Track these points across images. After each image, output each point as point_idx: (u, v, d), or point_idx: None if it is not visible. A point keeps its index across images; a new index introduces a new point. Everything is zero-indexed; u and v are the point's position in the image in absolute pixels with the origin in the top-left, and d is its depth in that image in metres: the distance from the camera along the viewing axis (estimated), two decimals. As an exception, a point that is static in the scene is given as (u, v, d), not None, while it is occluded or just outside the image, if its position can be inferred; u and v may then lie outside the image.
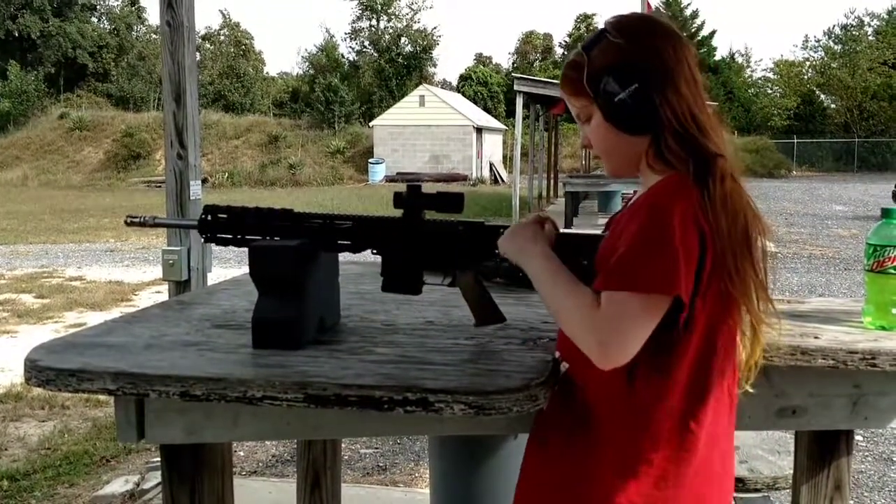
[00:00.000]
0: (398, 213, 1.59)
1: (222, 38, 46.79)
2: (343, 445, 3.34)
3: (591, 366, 1.22)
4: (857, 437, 4.19)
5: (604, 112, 1.29)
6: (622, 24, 1.31)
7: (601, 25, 1.34)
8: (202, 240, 1.66)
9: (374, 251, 1.60)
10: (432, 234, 1.57)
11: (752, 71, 48.28)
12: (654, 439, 1.24)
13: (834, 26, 43.37)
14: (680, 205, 1.19)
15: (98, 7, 45.36)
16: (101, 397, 4.27)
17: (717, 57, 45.07)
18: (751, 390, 1.37)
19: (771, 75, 46.18)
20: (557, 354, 1.41)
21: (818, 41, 43.52)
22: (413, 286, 1.57)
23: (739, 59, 48.03)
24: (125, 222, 1.73)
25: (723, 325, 1.26)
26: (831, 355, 1.49)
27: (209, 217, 1.63)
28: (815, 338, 1.56)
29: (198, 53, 4.09)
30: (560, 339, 1.39)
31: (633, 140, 1.30)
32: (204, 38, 44.80)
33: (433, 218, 1.57)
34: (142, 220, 1.71)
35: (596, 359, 1.20)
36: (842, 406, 1.58)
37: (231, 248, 1.65)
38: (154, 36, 42.87)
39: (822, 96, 43.40)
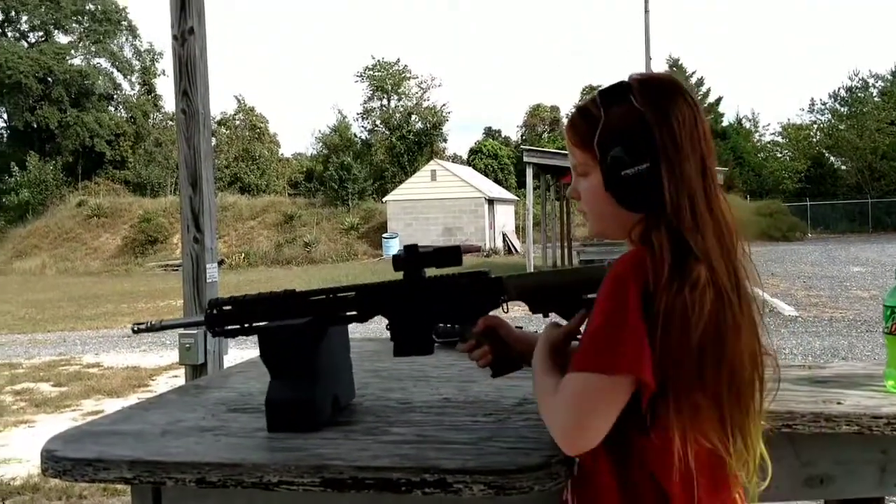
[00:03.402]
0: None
1: (238, 122, 47.82)
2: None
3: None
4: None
5: (606, 179, 1.23)
6: (648, 89, 1.23)
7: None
8: (211, 335, 1.66)
9: (384, 316, 1.59)
10: (435, 290, 1.57)
11: (761, 135, 48.66)
12: None
13: (839, 89, 43.84)
14: (638, 278, 1.14)
15: (115, 97, 46.58)
16: (119, 486, 4.23)
17: (725, 123, 45.55)
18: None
19: (780, 139, 46.55)
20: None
21: (824, 104, 43.96)
22: (424, 346, 1.56)
23: (747, 125, 48.49)
24: (133, 330, 1.72)
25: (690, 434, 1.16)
26: (856, 421, 1.47)
27: (215, 311, 1.63)
28: (838, 403, 1.54)
29: (214, 138, 4.19)
30: None
31: (626, 214, 1.24)
32: (220, 122, 45.81)
33: (434, 275, 1.57)
34: (149, 325, 1.71)
35: (560, 442, 1.17)
36: (870, 473, 1.54)
37: (243, 332, 1.65)
38: (170, 122, 43.86)
39: (832, 158, 43.60)
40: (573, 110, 1.35)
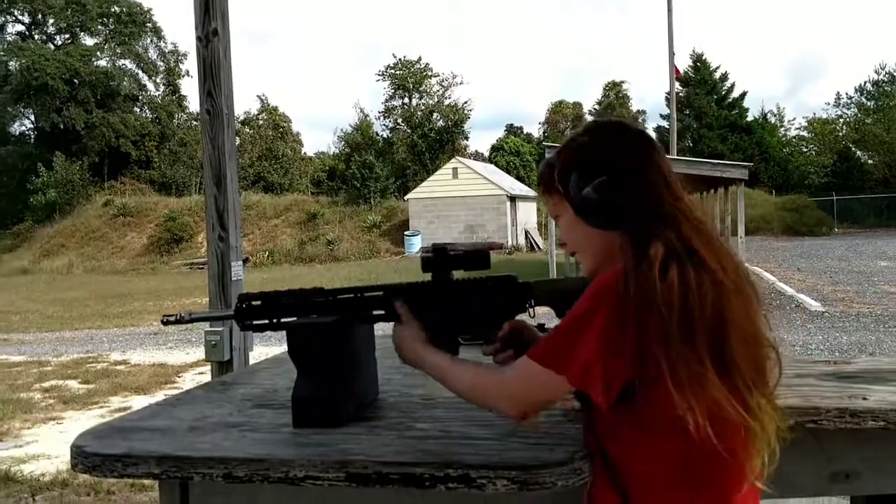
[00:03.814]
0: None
1: (261, 121, 48.04)
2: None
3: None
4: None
5: (573, 206, 1.34)
6: (592, 127, 1.41)
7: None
8: (240, 328, 1.68)
9: None
10: (462, 292, 1.57)
11: (786, 130, 48.09)
12: None
13: (865, 82, 43.17)
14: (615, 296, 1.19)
15: (140, 97, 46.98)
16: (147, 481, 4.28)
17: (750, 118, 45.08)
18: (761, 486, 1.26)
19: (805, 133, 45.98)
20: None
21: (850, 98, 43.32)
22: (450, 347, 1.57)
23: (772, 119, 47.96)
24: (162, 322, 1.75)
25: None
26: (882, 416, 1.46)
27: (244, 305, 1.65)
28: (864, 399, 1.53)
29: (237, 138, 4.22)
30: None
31: (603, 235, 1.32)
32: (243, 122, 46.07)
33: (462, 277, 1.58)
34: (178, 317, 1.72)
35: (503, 407, 1.34)
36: (897, 469, 1.53)
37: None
38: (195, 122, 44.15)
39: (859, 152, 43.00)
40: (538, 171, 1.48)
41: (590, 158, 1.33)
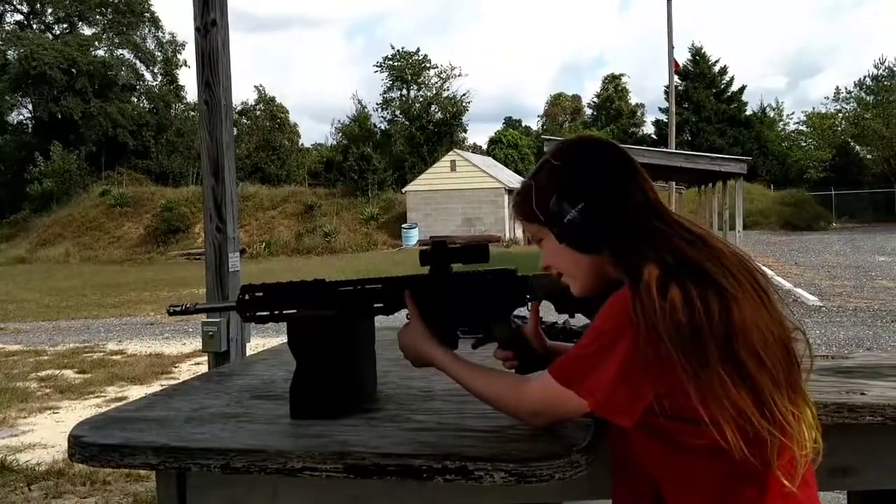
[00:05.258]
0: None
1: (258, 112, 47.96)
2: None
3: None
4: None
5: (556, 234, 1.32)
6: (561, 149, 1.37)
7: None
8: (242, 320, 1.69)
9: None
10: (461, 286, 1.57)
11: (785, 124, 48.12)
12: None
13: (865, 77, 43.17)
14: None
15: (138, 87, 46.86)
16: (143, 472, 4.28)
17: (748, 112, 45.08)
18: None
19: (804, 128, 45.99)
20: None
21: (850, 92, 43.31)
22: (448, 340, 1.56)
23: (771, 113, 47.96)
24: (168, 312, 1.76)
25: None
26: (879, 412, 1.46)
27: (247, 297, 1.65)
28: (862, 394, 1.53)
29: (235, 128, 4.21)
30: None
31: (589, 259, 1.32)
32: (240, 112, 45.95)
33: (461, 270, 1.57)
34: (183, 308, 1.74)
35: (521, 416, 1.35)
36: (894, 464, 1.53)
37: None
38: (192, 113, 44.06)
39: (857, 147, 43.03)
40: (513, 199, 1.46)
41: (568, 183, 1.30)
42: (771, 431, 1.15)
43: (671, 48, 23.20)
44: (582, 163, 1.32)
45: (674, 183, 22.40)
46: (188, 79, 50.35)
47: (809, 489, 1.26)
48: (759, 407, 1.15)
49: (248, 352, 3.62)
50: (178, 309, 1.74)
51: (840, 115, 43.80)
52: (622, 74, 56.08)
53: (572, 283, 1.38)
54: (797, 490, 1.19)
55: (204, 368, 5.80)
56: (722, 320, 1.14)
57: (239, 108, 45.85)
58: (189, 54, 45.82)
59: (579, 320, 1.66)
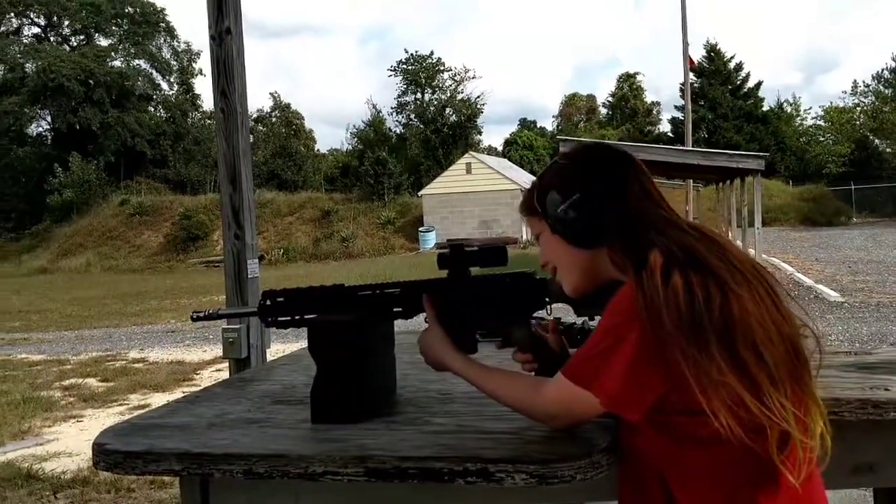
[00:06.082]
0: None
1: (274, 119, 48.21)
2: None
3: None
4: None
5: (550, 224, 1.35)
6: (570, 150, 1.42)
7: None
8: (263, 325, 1.71)
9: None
10: (479, 289, 1.57)
11: (803, 119, 47.70)
12: None
13: (883, 70, 42.72)
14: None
15: (154, 97, 47.26)
16: (167, 479, 4.31)
17: (766, 108, 44.74)
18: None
19: (822, 123, 45.58)
20: None
21: (867, 86, 42.89)
22: (467, 344, 1.57)
23: (788, 109, 47.58)
24: (192, 318, 1.80)
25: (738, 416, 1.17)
26: (904, 408, 1.44)
27: (268, 302, 1.67)
28: (886, 389, 1.51)
29: (251, 136, 4.21)
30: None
31: (583, 253, 1.33)
32: (256, 120, 46.20)
33: (479, 274, 1.58)
34: (206, 314, 1.78)
35: (538, 418, 1.36)
36: (920, 460, 1.51)
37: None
38: (209, 121, 44.39)
39: (877, 141, 42.59)
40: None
41: (566, 178, 1.34)
42: (770, 419, 1.14)
43: (686, 45, 23.08)
44: (583, 161, 1.37)
45: (691, 181, 22.28)
46: (204, 87, 50.70)
47: (815, 487, 1.26)
48: (756, 396, 1.15)
49: (269, 358, 3.64)
50: (201, 315, 1.77)
51: (858, 109, 43.38)
52: (637, 73, 55.86)
53: (564, 279, 1.40)
54: (801, 486, 1.19)
55: (225, 375, 5.83)
56: (722, 312, 1.15)
57: (255, 115, 46.10)
58: (204, 63, 46.21)
59: (598, 321, 1.65)
